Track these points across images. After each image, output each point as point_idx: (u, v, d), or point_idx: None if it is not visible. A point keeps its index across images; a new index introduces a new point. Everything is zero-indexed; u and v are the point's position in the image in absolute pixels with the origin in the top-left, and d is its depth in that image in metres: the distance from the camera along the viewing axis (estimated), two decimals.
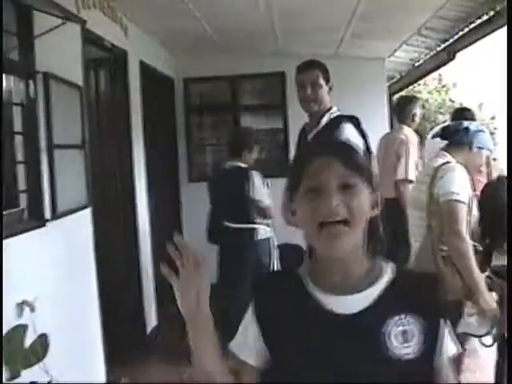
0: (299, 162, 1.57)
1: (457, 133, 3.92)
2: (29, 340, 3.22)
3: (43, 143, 3.74)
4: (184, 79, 8.06)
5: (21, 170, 3.66)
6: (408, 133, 5.89)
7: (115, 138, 5.68)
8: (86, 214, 4.44)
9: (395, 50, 7.57)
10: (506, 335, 3.25)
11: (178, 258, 1.45)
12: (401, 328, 1.46)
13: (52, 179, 3.76)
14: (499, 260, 3.53)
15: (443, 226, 3.58)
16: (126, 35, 5.63)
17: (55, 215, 3.77)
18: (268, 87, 8.27)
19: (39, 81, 3.69)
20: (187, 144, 8.19)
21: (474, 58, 11.76)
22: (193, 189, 8.00)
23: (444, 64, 7.04)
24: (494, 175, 5.42)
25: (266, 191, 5.32)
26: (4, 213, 3.45)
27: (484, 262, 3.61)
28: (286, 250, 5.63)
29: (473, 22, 5.64)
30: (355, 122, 4.01)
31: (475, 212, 3.73)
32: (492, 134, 8.57)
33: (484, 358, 3.91)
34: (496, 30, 5.24)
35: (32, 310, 3.28)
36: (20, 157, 3.65)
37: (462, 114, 5.78)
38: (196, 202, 7.86)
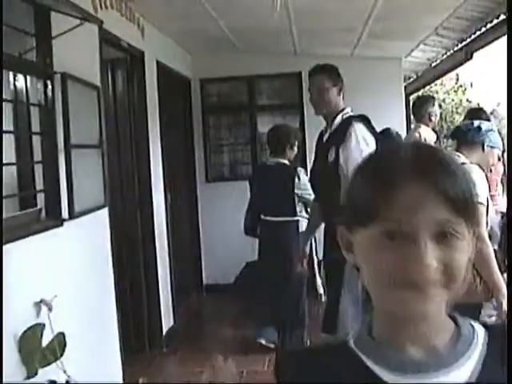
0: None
1: (469, 132, 3.92)
2: (46, 339, 3.23)
3: (61, 143, 3.75)
4: (201, 79, 8.06)
5: (38, 170, 3.68)
6: (423, 131, 5.90)
7: (132, 138, 5.70)
8: (104, 214, 4.45)
9: (412, 50, 7.54)
10: None
11: None
12: None
13: (69, 179, 3.76)
14: None
15: None
16: (143, 35, 5.64)
17: (72, 215, 3.78)
18: (285, 87, 8.25)
19: (57, 81, 3.70)
20: (204, 144, 8.18)
21: (491, 57, 11.68)
22: (210, 189, 8.03)
23: (461, 64, 7.00)
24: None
25: (309, 186, 5.46)
26: (21, 212, 3.48)
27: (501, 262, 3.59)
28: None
29: (490, 22, 5.60)
30: (366, 121, 4.04)
31: (492, 213, 3.71)
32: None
33: None
34: None
35: (49, 309, 3.29)
36: (38, 157, 3.68)
37: (477, 114, 5.79)
38: (213, 202, 7.90)
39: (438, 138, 6.04)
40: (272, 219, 5.63)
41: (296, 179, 5.55)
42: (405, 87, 8.70)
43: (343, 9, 5.50)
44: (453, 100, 16.34)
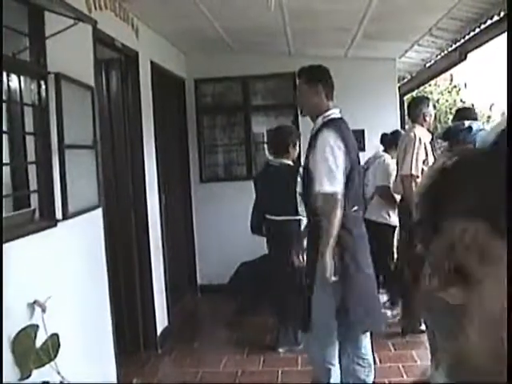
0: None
1: (460, 133, 3.94)
2: (40, 340, 3.23)
3: (55, 144, 3.75)
4: (195, 80, 8.05)
5: (32, 171, 3.67)
6: (418, 131, 5.91)
7: (127, 139, 5.69)
8: (98, 215, 4.45)
9: (406, 51, 7.54)
10: None
11: None
12: None
13: (63, 179, 3.76)
14: None
15: None
16: (137, 36, 5.64)
17: (66, 215, 3.77)
18: (279, 88, 8.24)
19: (51, 81, 3.69)
20: (198, 144, 8.18)
21: (486, 58, 11.72)
22: (204, 189, 8.03)
23: (455, 64, 7.01)
24: None
25: None
26: (15, 213, 3.47)
27: None
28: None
29: (484, 23, 5.61)
30: (340, 127, 4.06)
31: None
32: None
33: None
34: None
35: (43, 310, 3.29)
36: (31, 157, 3.67)
37: (465, 113, 5.83)
38: (207, 202, 7.90)
39: (433, 138, 6.05)
40: (276, 218, 5.70)
41: (298, 179, 5.56)
42: (399, 88, 8.72)
43: (337, 9, 5.51)
44: (447, 100, 16.39)
